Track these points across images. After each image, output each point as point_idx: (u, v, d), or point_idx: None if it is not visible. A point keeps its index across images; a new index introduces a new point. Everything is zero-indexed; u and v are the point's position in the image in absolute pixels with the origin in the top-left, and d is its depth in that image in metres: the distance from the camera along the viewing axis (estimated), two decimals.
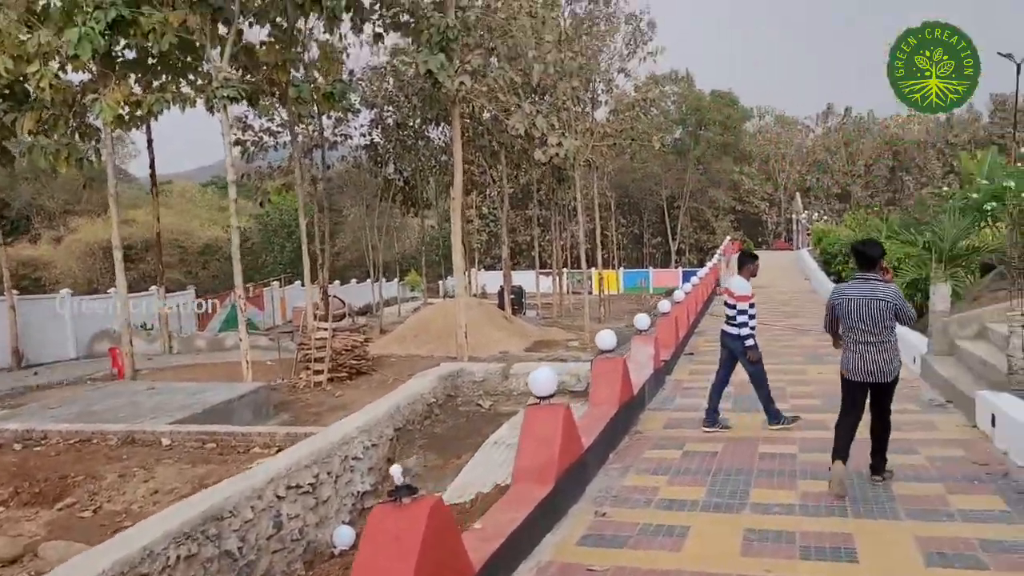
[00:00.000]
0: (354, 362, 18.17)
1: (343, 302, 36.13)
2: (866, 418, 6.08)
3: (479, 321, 27.41)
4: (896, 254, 13.82)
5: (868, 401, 6.06)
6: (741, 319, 7.81)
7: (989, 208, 12.32)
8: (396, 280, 45.34)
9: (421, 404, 9.72)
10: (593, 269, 54.05)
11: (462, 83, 19.45)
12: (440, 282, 48.06)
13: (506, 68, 22.32)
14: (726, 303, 8.11)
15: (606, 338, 7.89)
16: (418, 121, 32.44)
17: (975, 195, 12.96)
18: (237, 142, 25.03)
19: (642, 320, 10.09)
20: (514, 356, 21.62)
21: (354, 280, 46.19)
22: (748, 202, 65.32)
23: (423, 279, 43.01)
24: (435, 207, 43.94)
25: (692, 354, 13.41)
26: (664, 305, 12.56)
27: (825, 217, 43.24)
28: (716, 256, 28.81)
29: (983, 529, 4.90)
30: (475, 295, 43.39)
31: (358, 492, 7.92)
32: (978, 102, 65.27)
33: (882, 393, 6.02)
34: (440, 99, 22.98)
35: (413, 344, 25.16)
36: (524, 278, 42.44)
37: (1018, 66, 26.79)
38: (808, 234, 40.50)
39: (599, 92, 33.93)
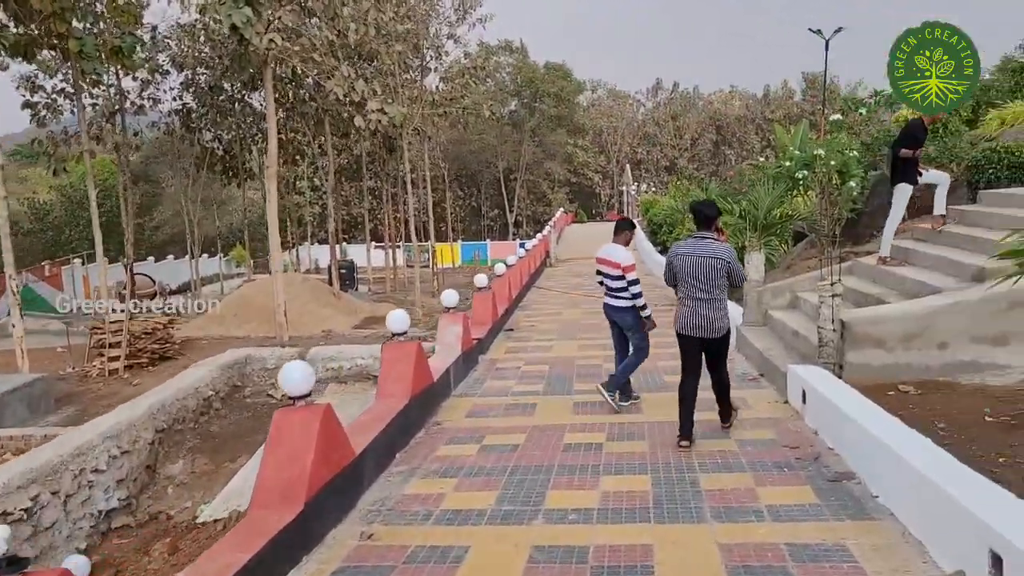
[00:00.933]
0: (156, 346, 16.56)
1: (153, 280, 33.37)
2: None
3: (303, 298, 26.08)
4: None
5: (705, 362, 6.30)
6: (635, 289, 7.30)
7: (801, 176, 12.31)
8: (219, 256, 42.46)
9: (195, 399, 8.43)
10: (430, 242, 53.48)
11: (271, 41, 17.84)
12: (269, 257, 45.49)
13: (322, 27, 20.76)
14: (608, 275, 7.48)
15: (396, 320, 6.94)
16: (237, 85, 30.17)
17: (788, 163, 12.96)
18: (27, 104, 22.24)
19: (450, 296, 9.22)
20: (338, 335, 20.48)
21: (171, 256, 42.92)
22: (582, 174, 66.23)
23: (248, 254, 40.53)
24: (259, 177, 41.38)
25: (512, 330, 12.73)
26: (480, 279, 11.77)
27: (653, 189, 44.26)
28: (546, 228, 28.50)
29: (793, 531, 4.34)
30: (309, 270, 41.51)
31: (100, 512, 6.61)
32: (792, 80, 69.10)
33: (714, 349, 6.28)
34: (251, 59, 21.09)
35: (233, 324, 23.42)
36: (360, 252, 40.90)
37: (827, 42, 27.88)
38: (637, 205, 41.23)
39: (428, 59, 32.61)
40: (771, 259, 11.37)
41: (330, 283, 31.94)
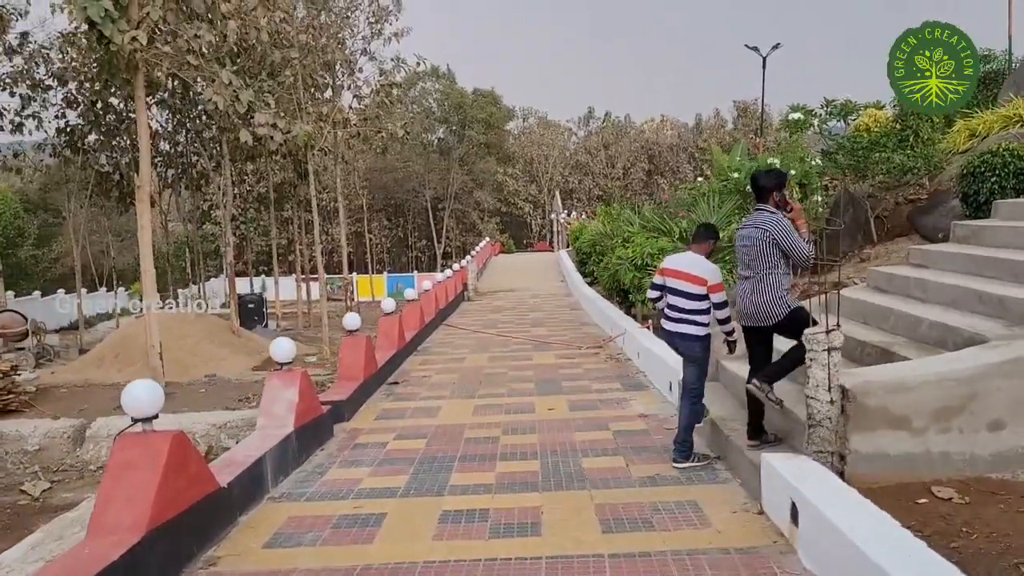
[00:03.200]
0: None
1: (25, 318, 29.65)
2: None
3: (195, 337, 23.06)
4: (647, 249, 11.27)
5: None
6: (725, 312, 5.89)
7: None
8: (115, 290, 38.80)
9: None
10: (343, 274, 50.45)
11: (135, 39, 15.10)
12: (181, 290, 42.05)
13: (200, 27, 17.91)
14: (682, 293, 5.92)
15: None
16: (124, 102, 27.13)
17: (736, 175, 10.70)
18: None
19: (281, 349, 6.49)
20: (223, 380, 17.84)
21: (61, 291, 39.17)
22: (513, 204, 64.14)
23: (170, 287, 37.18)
24: (159, 205, 37.84)
25: (397, 383, 10.03)
26: (351, 320, 9.07)
27: (584, 217, 42.27)
28: (465, 259, 25.91)
29: None
30: (224, 304, 38.13)
31: None
32: (723, 108, 68.52)
33: (760, 340, 5.60)
34: (117, 63, 18.06)
35: (113, 367, 20.39)
36: (282, 284, 37.89)
37: (764, 59, 26.25)
38: (568, 234, 39.07)
39: (340, 76, 29.82)
40: None
41: (243, 318, 29.12)
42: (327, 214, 55.14)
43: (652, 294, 6.35)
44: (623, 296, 16.07)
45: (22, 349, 23.16)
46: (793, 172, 9.56)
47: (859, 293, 7.23)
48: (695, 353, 5.99)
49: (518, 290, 24.89)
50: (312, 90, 27.66)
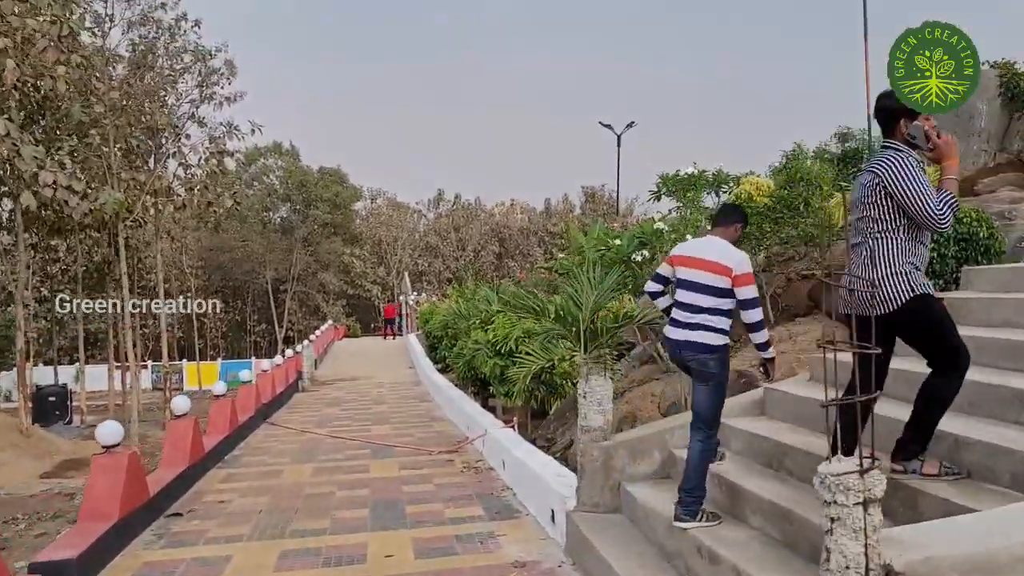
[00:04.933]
0: None
1: None
2: None
3: None
4: (512, 332, 9.24)
5: None
6: (754, 315, 4.36)
7: (640, 259, 8.32)
8: None
9: None
10: (184, 361, 45.78)
11: None
12: None
13: None
14: (697, 286, 4.44)
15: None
16: None
17: (617, 242, 8.95)
18: None
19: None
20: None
21: None
22: (360, 286, 61.37)
23: None
24: None
25: (180, 514, 7.34)
26: (107, 432, 6.44)
27: (434, 299, 40.21)
28: (301, 344, 23.11)
29: None
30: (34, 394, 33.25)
31: None
32: (572, 194, 69.35)
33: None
34: None
35: None
36: (98, 372, 33.52)
37: (619, 137, 25.58)
38: (416, 317, 36.83)
39: (165, 142, 26.71)
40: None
41: (43, 413, 24.99)
42: (153, 295, 50.54)
43: (652, 287, 4.89)
44: (481, 386, 13.96)
45: None
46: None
47: (801, 388, 5.44)
48: (709, 370, 4.42)
49: (361, 378, 22.27)
50: (130, 156, 24.58)
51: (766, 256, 9.65)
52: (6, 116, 15.39)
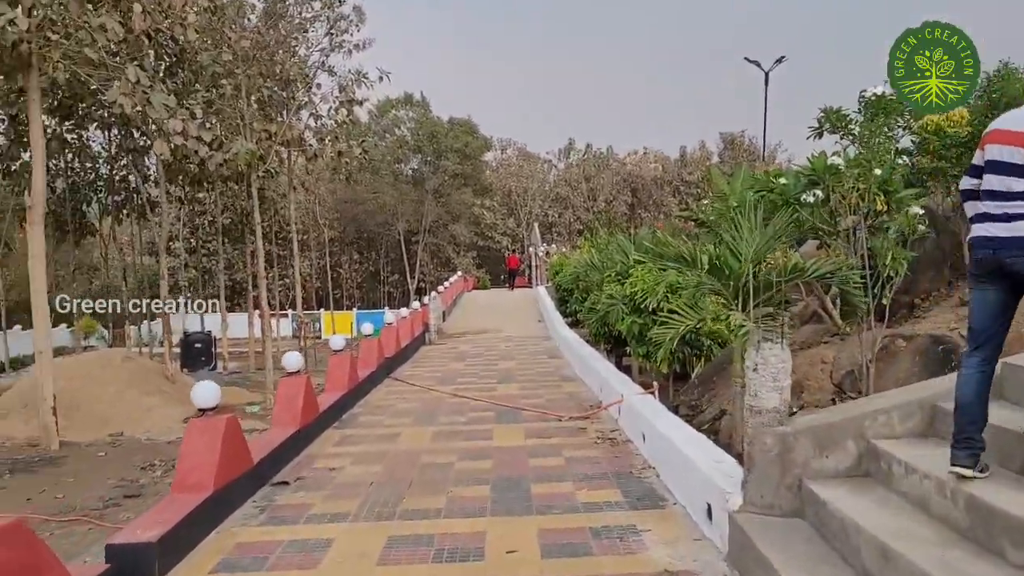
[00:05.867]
0: None
1: None
2: None
3: (119, 384, 19.91)
4: (656, 288, 8.07)
5: None
6: None
7: (812, 199, 6.95)
8: (63, 326, 35.29)
9: None
10: (322, 310, 46.91)
11: (11, 24, 12.37)
12: (134, 327, 38.63)
13: (103, 14, 14.77)
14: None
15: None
16: (56, 119, 24.20)
17: (782, 180, 7.58)
18: None
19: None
20: (131, 440, 14.46)
21: None
22: (490, 237, 61.06)
23: (109, 324, 34.12)
24: (102, 235, 34.54)
25: (287, 483, 6.69)
26: (203, 394, 5.78)
27: (564, 251, 39.15)
28: (429, 296, 22.63)
29: None
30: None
31: None
32: (709, 142, 66.30)
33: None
34: (6, 60, 14.83)
35: (20, 418, 17.62)
36: (242, 320, 34.33)
37: (766, 75, 23.49)
38: (546, 268, 35.93)
39: (298, 92, 26.57)
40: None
41: (187, 359, 25.90)
42: (287, 244, 51.88)
43: (967, 183, 3.72)
44: (615, 344, 12.85)
45: None
46: (878, 171, 6.46)
47: None
48: None
49: (490, 332, 21.60)
50: (265, 108, 24.61)
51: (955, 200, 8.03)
52: (137, 63, 15.22)
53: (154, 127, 17.03)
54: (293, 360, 8.09)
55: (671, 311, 7.66)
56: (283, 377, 8.25)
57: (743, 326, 5.88)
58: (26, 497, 11.27)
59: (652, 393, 8.36)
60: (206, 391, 5.76)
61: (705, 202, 14.41)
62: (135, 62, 15.64)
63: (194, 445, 5.58)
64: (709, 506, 4.97)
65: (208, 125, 17.46)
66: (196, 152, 16.43)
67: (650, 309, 8.57)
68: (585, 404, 9.93)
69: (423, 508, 5.83)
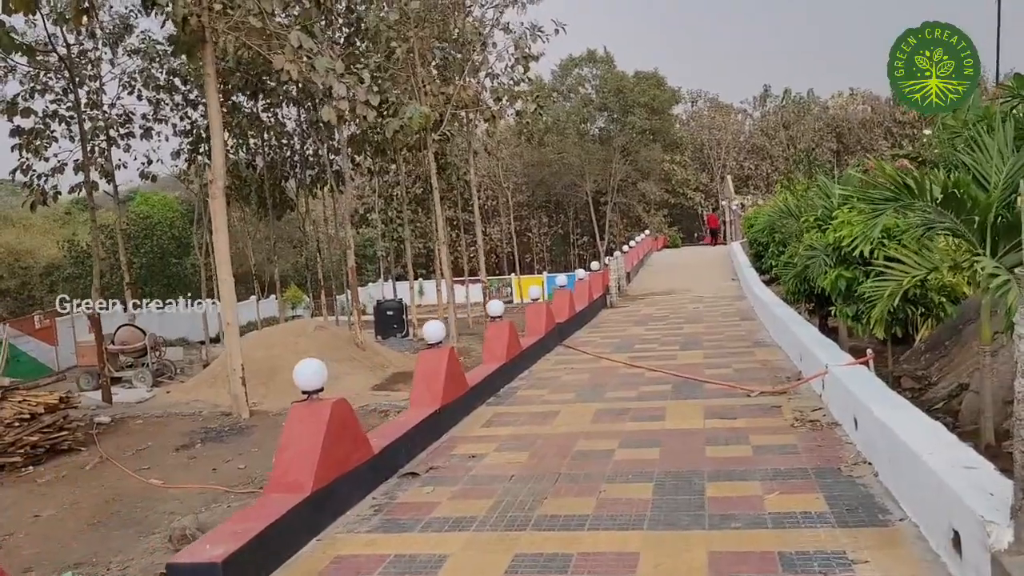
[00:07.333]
0: (36, 438, 11.91)
1: (144, 332, 28.22)
2: None
3: (312, 352, 20.24)
4: (868, 231, 6.36)
5: None
6: None
7: None
8: (271, 297, 37.60)
9: None
10: (514, 275, 46.97)
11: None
12: (337, 297, 40.48)
13: None
14: None
15: None
16: (246, 96, 25.31)
17: None
18: (16, 131, 18.80)
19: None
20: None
21: (209, 301, 38.56)
22: (682, 194, 58.44)
23: (309, 294, 35.95)
24: (298, 208, 36.06)
25: (417, 475, 5.77)
26: (306, 374, 4.94)
27: (759, 202, 36.24)
28: (611, 256, 21.34)
29: None
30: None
31: None
32: None
33: None
34: (183, 38, 15.14)
35: (225, 386, 18.75)
36: (431, 287, 35.77)
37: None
38: (741, 222, 33.47)
39: (471, 52, 25.94)
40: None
41: (383, 327, 26.62)
42: (485, 213, 52.22)
43: None
44: (817, 303, 11.00)
45: (145, 365, 21.66)
46: None
47: None
48: None
49: (677, 292, 20.02)
50: (445, 72, 24.23)
51: None
52: (301, 28, 14.94)
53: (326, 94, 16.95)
54: (434, 330, 7.16)
55: (889, 259, 5.99)
56: (423, 351, 7.36)
57: (995, 276, 4.24)
58: (212, 467, 11.35)
59: (866, 363, 6.68)
60: (309, 370, 4.91)
61: (927, 132, 12.10)
62: (300, 28, 15.40)
63: (293, 436, 4.74)
64: (957, 534, 3.46)
65: (375, 89, 17.07)
66: (365, 117, 16.04)
67: (861, 259, 6.88)
68: (781, 375, 8.37)
69: (565, 514, 4.68)
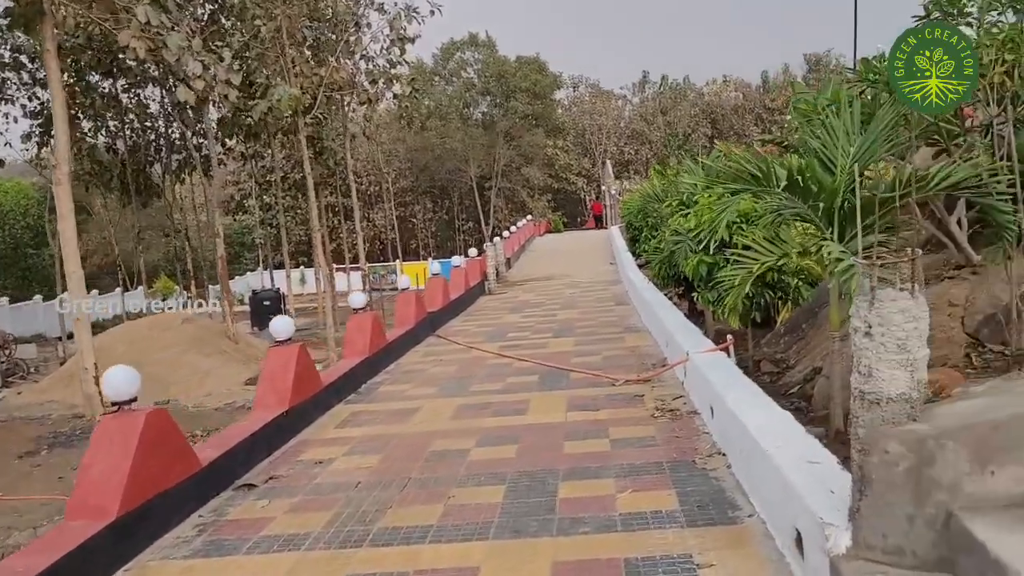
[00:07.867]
0: None
1: None
2: None
3: (180, 346, 19.51)
4: (722, 217, 6.28)
5: None
6: None
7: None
8: (139, 288, 35.50)
9: None
10: (398, 261, 46.19)
11: None
12: (211, 287, 38.57)
13: None
14: None
15: None
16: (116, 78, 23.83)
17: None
18: None
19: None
20: (177, 407, 14.67)
21: (64, 294, 35.95)
22: (564, 179, 58.94)
23: (181, 286, 34.11)
24: (164, 195, 34.14)
25: (255, 486, 5.32)
26: (116, 382, 4.42)
27: (637, 186, 36.83)
28: (490, 243, 21.10)
29: None
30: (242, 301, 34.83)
31: None
32: (793, 64, 62.23)
33: None
34: (21, 10, 13.78)
35: (79, 388, 17.07)
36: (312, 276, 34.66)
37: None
38: (619, 207, 33.89)
39: (344, 33, 24.99)
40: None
41: (259, 317, 25.65)
42: (367, 199, 51.12)
43: None
44: (687, 288, 11.04)
45: None
46: (1010, 58, 4.56)
47: None
48: None
49: (556, 278, 20.00)
50: (318, 53, 23.33)
51: None
52: (149, 1, 13.90)
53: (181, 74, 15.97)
54: (280, 327, 6.68)
55: (745, 247, 5.93)
56: (270, 348, 6.87)
57: (840, 259, 4.19)
58: (58, 475, 10.51)
59: (725, 349, 6.64)
60: (118, 378, 4.38)
61: (788, 118, 12.31)
62: (147, 2, 14.37)
63: (99, 454, 4.22)
64: (799, 534, 3.33)
65: (237, 68, 16.19)
66: (227, 97, 15.16)
67: (721, 244, 6.84)
68: (648, 363, 8.30)
69: (408, 525, 4.35)
